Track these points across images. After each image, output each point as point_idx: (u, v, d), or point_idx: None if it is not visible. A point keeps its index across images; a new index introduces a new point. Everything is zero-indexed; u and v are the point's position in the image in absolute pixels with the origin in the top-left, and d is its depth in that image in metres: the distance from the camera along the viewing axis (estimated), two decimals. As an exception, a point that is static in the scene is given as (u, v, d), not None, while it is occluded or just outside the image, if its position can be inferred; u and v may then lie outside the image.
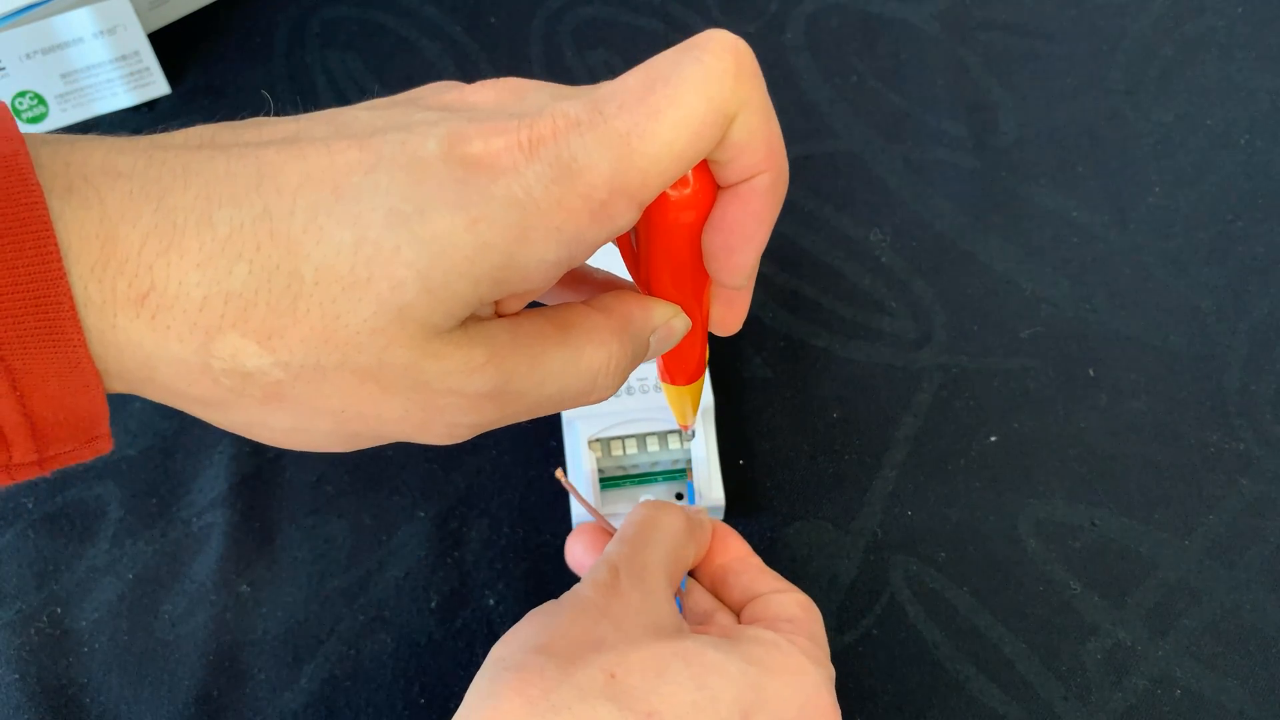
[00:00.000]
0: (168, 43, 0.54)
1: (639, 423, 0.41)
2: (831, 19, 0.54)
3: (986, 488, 0.44)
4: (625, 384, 0.41)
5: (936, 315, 0.47)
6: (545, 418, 0.45)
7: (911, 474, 0.44)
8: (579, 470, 0.41)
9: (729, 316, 0.31)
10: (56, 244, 0.21)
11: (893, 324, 0.47)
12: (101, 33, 0.50)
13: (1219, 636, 0.41)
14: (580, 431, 0.41)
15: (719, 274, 0.27)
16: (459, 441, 0.26)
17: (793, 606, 0.35)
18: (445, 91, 0.26)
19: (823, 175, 0.50)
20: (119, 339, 0.22)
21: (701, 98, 0.23)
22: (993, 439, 0.45)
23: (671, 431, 0.41)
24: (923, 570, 0.43)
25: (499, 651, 0.31)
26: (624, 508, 0.42)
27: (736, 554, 0.38)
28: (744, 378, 0.46)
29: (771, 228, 0.26)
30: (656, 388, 0.41)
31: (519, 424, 0.44)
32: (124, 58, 0.51)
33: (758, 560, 0.38)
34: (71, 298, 0.21)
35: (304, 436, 0.25)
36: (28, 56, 0.49)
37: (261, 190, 0.22)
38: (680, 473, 0.43)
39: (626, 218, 0.24)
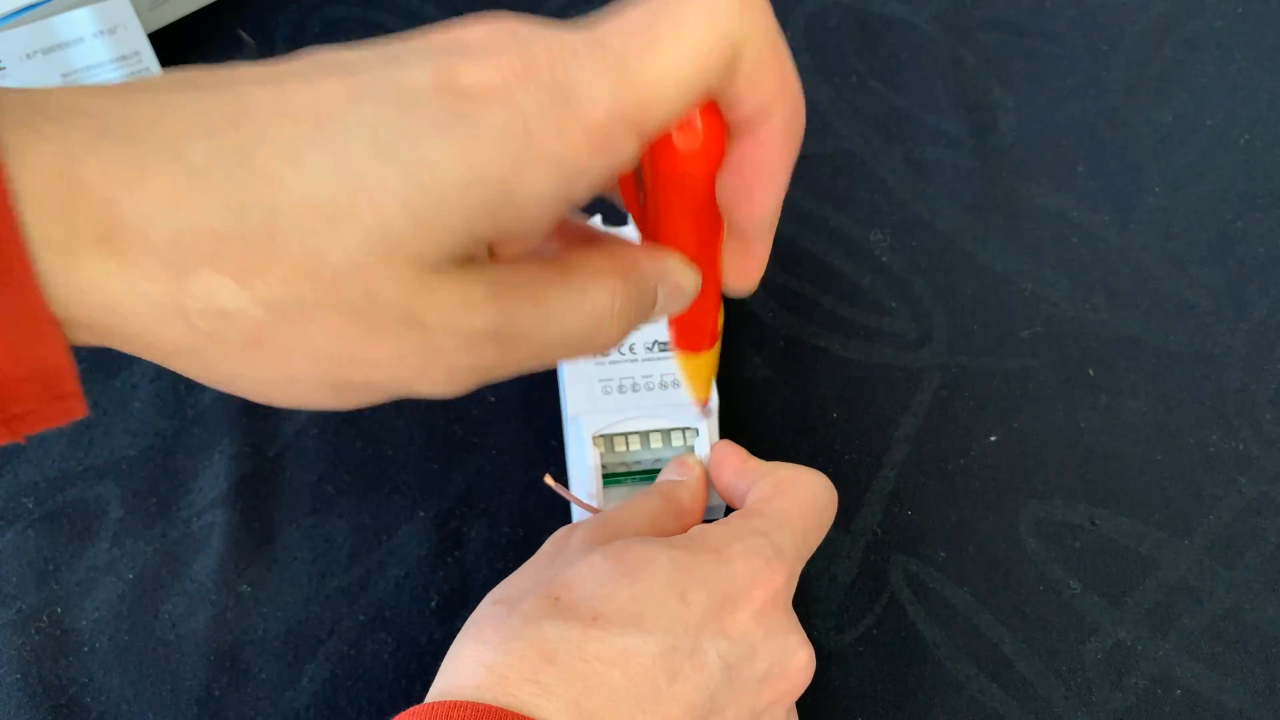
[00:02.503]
0: (168, 43, 0.54)
1: (642, 419, 0.41)
2: (831, 19, 0.54)
3: (986, 487, 0.44)
4: (630, 382, 0.41)
5: (936, 315, 0.47)
6: (545, 417, 0.45)
7: (911, 474, 0.44)
8: (582, 466, 0.41)
9: (745, 270, 0.29)
10: (5, 178, 0.19)
11: (893, 324, 0.47)
12: (101, 33, 0.50)
13: (1219, 636, 0.41)
14: (584, 427, 0.41)
15: (739, 220, 0.26)
16: (459, 391, 0.24)
17: (766, 486, 0.36)
18: (436, 32, 0.25)
19: (823, 175, 0.50)
20: (82, 281, 0.21)
21: (705, 22, 0.22)
22: (993, 439, 0.45)
23: (675, 428, 0.41)
24: (923, 570, 0.43)
25: (468, 619, 0.33)
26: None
27: (734, 467, 0.38)
28: (744, 378, 0.46)
29: (790, 169, 0.25)
30: (660, 384, 0.41)
31: (518, 424, 0.45)
32: (124, 58, 0.51)
33: (755, 462, 0.38)
34: (19, 234, 0.20)
35: (292, 388, 0.24)
36: (28, 56, 0.49)
37: (238, 124, 0.21)
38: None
39: (628, 150, 0.22)
